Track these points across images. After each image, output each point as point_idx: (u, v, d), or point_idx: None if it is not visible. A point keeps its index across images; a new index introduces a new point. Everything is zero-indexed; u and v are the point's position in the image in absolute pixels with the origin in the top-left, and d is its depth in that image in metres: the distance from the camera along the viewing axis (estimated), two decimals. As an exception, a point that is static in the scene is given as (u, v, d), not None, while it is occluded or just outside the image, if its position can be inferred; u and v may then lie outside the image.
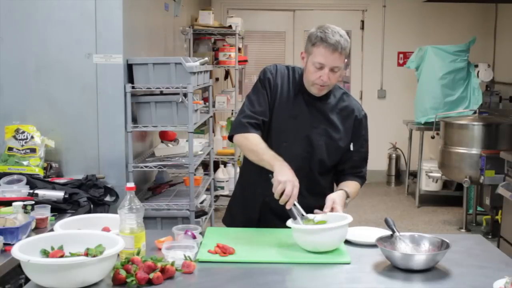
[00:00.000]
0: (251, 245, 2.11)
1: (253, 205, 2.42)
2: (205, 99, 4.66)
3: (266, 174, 2.16)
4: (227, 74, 6.77)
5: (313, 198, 2.29)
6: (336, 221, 2.05)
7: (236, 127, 2.33)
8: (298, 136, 2.35)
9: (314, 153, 2.35)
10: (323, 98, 2.36)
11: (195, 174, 3.45)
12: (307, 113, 2.35)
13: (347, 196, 2.32)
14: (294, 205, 2.08)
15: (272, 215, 2.30)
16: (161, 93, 3.51)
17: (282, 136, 2.35)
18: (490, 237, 5.07)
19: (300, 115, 2.35)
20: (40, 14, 3.20)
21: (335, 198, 2.24)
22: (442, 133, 5.63)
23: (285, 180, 2.06)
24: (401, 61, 7.44)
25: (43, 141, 3.14)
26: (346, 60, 2.29)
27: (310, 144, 2.35)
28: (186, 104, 3.29)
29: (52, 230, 2.13)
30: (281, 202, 2.07)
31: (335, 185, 2.52)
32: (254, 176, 2.27)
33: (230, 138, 2.38)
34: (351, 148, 2.41)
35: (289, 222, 2.07)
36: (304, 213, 2.10)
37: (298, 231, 2.05)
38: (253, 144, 2.26)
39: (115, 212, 2.01)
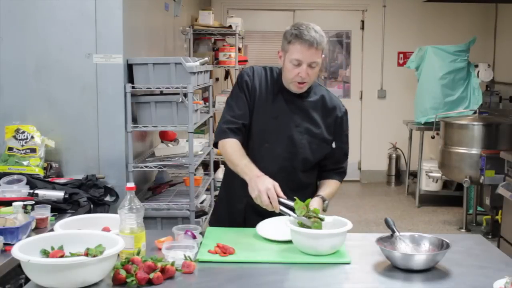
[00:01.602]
0: (251, 245, 2.11)
1: (237, 207, 2.43)
2: (205, 99, 4.66)
3: None
4: (227, 74, 6.77)
5: (296, 196, 2.29)
6: (337, 226, 2.05)
7: (218, 134, 2.37)
8: (280, 136, 2.35)
9: (298, 152, 2.35)
10: (304, 96, 2.36)
11: (195, 174, 3.45)
12: (288, 112, 2.35)
13: (324, 201, 2.34)
14: (282, 203, 2.09)
15: (257, 216, 2.28)
16: (161, 93, 3.51)
17: (264, 137, 2.35)
18: (490, 237, 5.07)
19: (281, 115, 2.35)
20: (40, 14, 3.20)
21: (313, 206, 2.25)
22: (442, 133, 5.63)
23: (257, 195, 2.10)
24: (401, 61, 7.44)
25: (43, 141, 3.14)
26: (323, 56, 2.29)
27: (292, 143, 2.35)
28: (186, 104, 3.29)
29: (52, 230, 2.13)
30: (269, 209, 2.10)
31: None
32: (237, 179, 2.28)
33: (215, 145, 2.40)
34: (333, 145, 2.43)
35: (288, 222, 2.06)
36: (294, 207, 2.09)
37: (294, 232, 2.04)
38: (229, 152, 2.29)
39: (115, 212, 2.01)
